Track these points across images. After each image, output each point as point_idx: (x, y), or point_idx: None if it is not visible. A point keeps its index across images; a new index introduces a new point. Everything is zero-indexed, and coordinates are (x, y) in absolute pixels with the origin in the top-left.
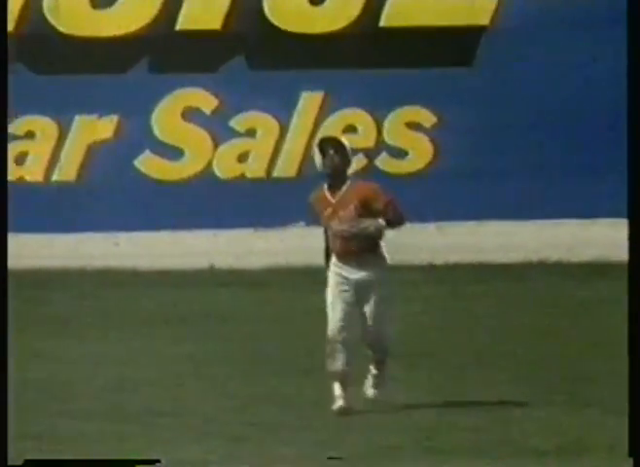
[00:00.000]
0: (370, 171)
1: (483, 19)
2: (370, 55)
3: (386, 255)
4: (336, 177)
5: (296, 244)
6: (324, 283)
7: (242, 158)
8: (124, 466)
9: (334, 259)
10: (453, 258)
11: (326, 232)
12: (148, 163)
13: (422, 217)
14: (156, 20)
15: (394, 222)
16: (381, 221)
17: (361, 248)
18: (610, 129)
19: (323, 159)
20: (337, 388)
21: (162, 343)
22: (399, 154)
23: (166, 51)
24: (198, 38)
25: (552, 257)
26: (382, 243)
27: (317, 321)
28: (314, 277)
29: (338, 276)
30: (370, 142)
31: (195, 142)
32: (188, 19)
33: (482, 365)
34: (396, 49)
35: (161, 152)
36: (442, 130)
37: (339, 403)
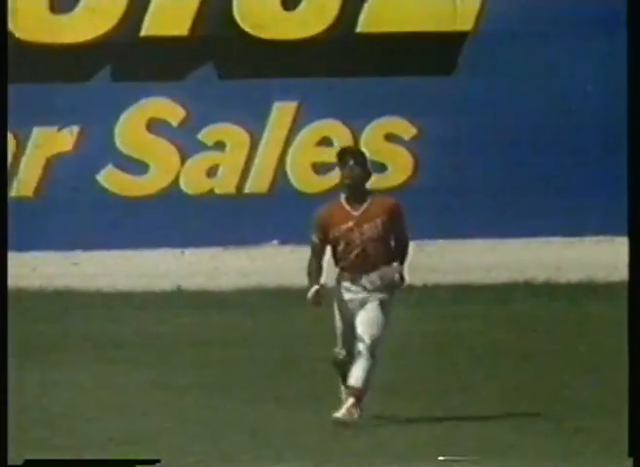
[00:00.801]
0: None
1: (466, 25)
2: (346, 63)
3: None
4: (355, 189)
5: (268, 264)
6: (297, 305)
7: (211, 172)
8: (124, 466)
9: (345, 274)
10: (434, 278)
11: (322, 247)
12: (111, 178)
13: None
14: (119, 26)
15: (404, 248)
16: (398, 267)
17: (377, 264)
18: (599, 144)
19: (342, 169)
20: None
21: (126, 369)
22: (377, 168)
23: (130, 58)
24: (165, 44)
25: (539, 277)
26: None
27: (290, 345)
28: (287, 298)
29: (346, 296)
30: None
31: (160, 155)
32: (153, 25)
33: (465, 390)
34: (373, 56)
35: (125, 166)
36: (422, 143)
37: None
